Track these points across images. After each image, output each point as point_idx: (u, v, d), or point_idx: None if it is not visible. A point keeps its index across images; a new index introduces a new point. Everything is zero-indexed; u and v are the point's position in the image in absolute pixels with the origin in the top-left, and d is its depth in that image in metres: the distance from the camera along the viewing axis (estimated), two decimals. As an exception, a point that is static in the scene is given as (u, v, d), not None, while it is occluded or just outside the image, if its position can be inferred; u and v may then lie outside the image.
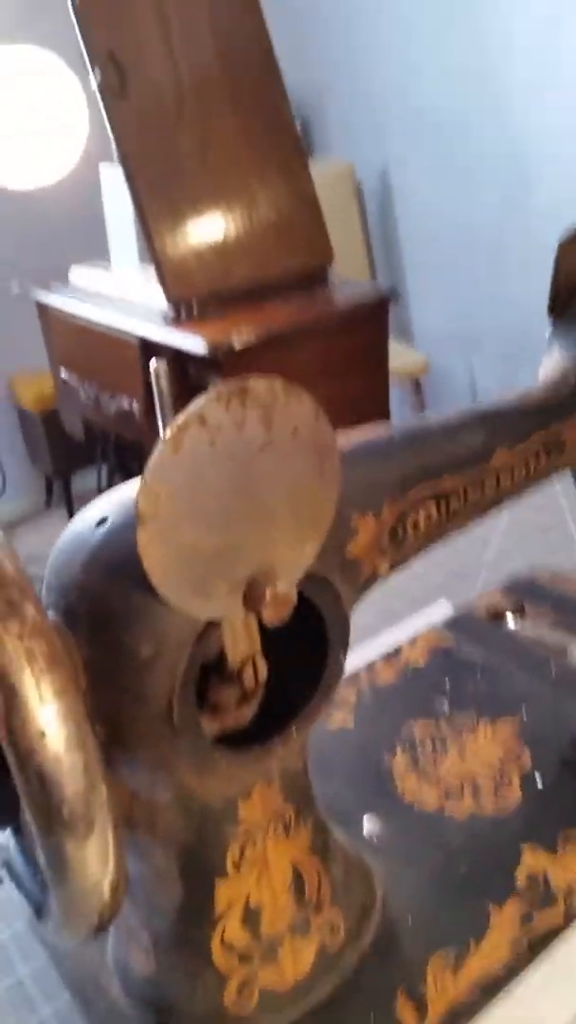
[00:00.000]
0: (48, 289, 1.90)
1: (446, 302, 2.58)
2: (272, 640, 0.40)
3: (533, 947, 0.48)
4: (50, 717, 0.30)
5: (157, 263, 1.68)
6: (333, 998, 0.47)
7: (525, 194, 2.24)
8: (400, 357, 2.31)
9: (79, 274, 1.87)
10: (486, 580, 0.88)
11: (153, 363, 0.36)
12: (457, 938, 0.49)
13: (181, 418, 0.31)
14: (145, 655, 0.35)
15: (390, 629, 0.82)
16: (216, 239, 1.76)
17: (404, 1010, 0.46)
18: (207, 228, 1.75)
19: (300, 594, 0.38)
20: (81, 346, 1.86)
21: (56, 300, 1.85)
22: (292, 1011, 0.46)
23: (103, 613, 0.35)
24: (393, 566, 0.45)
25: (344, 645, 0.42)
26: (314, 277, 1.81)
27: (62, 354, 1.98)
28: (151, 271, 1.66)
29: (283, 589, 0.35)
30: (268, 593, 0.35)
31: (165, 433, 0.31)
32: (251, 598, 0.35)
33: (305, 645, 0.42)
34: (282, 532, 0.36)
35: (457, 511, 0.47)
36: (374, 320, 1.73)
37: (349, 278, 1.94)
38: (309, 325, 1.61)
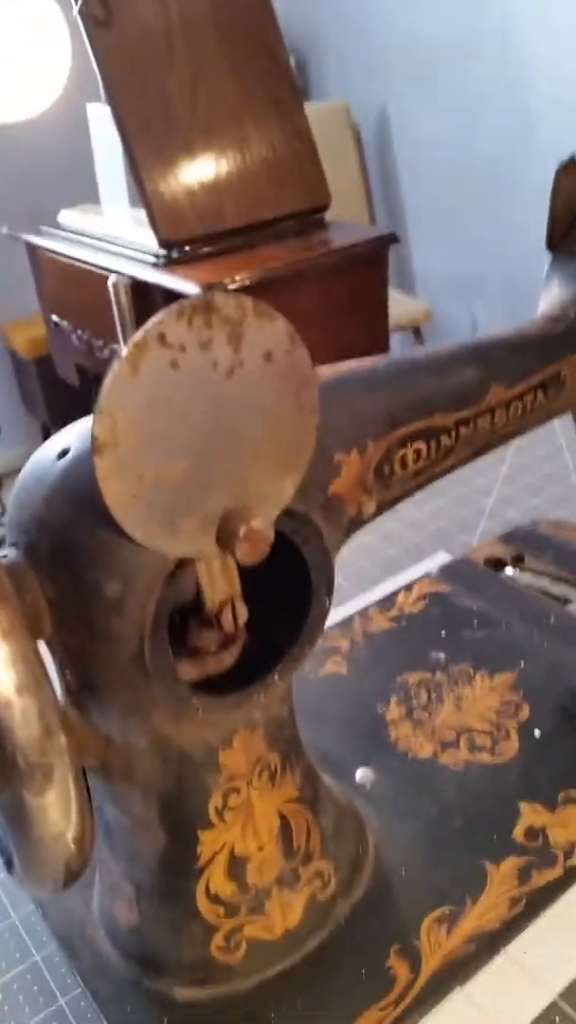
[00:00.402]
0: (38, 232, 1.85)
1: (447, 246, 2.51)
2: (255, 584, 0.38)
3: (531, 905, 0.47)
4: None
5: (147, 205, 1.63)
6: (323, 950, 0.46)
7: (528, 131, 2.17)
8: (400, 305, 2.26)
9: (68, 217, 1.82)
10: (487, 532, 0.86)
11: (112, 278, 0.33)
12: (453, 894, 0.48)
13: (138, 336, 0.28)
14: (112, 595, 0.33)
15: (388, 579, 0.81)
16: (208, 180, 1.70)
17: (397, 964, 0.45)
18: (198, 169, 1.69)
19: (279, 533, 0.36)
20: (72, 290, 1.81)
21: (46, 242, 1.80)
22: (281, 962, 0.45)
23: (66, 549, 0.33)
24: (380, 506, 0.43)
25: (328, 587, 0.40)
26: (310, 220, 1.76)
27: (53, 298, 1.93)
28: (142, 214, 1.61)
29: (258, 525, 0.33)
30: (242, 530, 0.33)
31: (121, 352, 0.28)
32: (224, 535, 0.33)
33: (290, 589, 0.40)
34: (257, 466, 0.33)
35: (449, 450, 0.45)
36: (373, 263, 1.69)
37: (347, 221, 1.89)
38: (305, 268, 1.56)
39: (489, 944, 0.45)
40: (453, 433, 0.43)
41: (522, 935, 0.47)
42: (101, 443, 0.29)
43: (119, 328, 0.34)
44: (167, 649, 0.35)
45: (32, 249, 1.91)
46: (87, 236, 1.75)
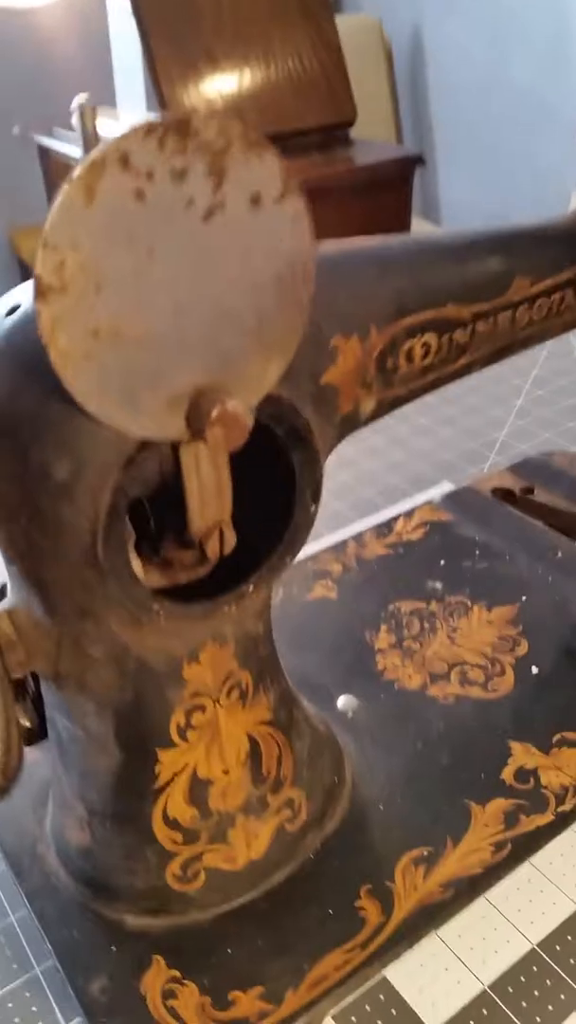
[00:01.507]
0: (51, 134, 1.77)
1: (475, 173, 2.41)
2: (233, 482, 0.33)
3: (516, 851, 0.43)
4: None
5: (165, 110, 1.55)
6: (290, 884, 0.43)
7: (563, 60, 2.06)
8: (420, 232, 2.17)
9: (83, 120, 1.74)
10: (496, 465, 0.81)
11: (77, 98, 0.28)
12: (433, 834, 0.44)
13: (95, 153, 0.23)
14: (61, 477, 0.29)
15: (388, 508, 0.76)
16: (230, 89, 1.62)
17: (368, 905, 0.41)
18: (221, 75, 1.61)
19: (261, 425, 0.32)
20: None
21: (59, 145, 1.73)
22: (242, 895, 0.42)
23: (9, 420, 0.29)
24: (380, 405, 0.38)
25: (315, 492, 0.35)
26: (334, 135, 1.67)
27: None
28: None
29: (235, 408, 0.28)
30: (215, 410, 0.28)
31: (73, 173, 0.23)
32: (194, 415, 0.28)
33: (271, 493, 0.36)
34: (237, 339, 0.29)
35: (463, 348, 0.40)
36: (397, 185, 1.61)
37: (373, 140, 1.80)
38: (328, 183, 1.49)
39: (468, 890, 0.42)
40: (469, 327, 0.38)
41: (505, 882, 0.44)
42: (46, 285, 0.24)
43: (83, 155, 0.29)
44: (124, 545, 0.31)
45: (44, 152, 1.83)
46: (101, 139, 1.67)
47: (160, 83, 1.55)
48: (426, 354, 0.37)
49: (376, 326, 0.36)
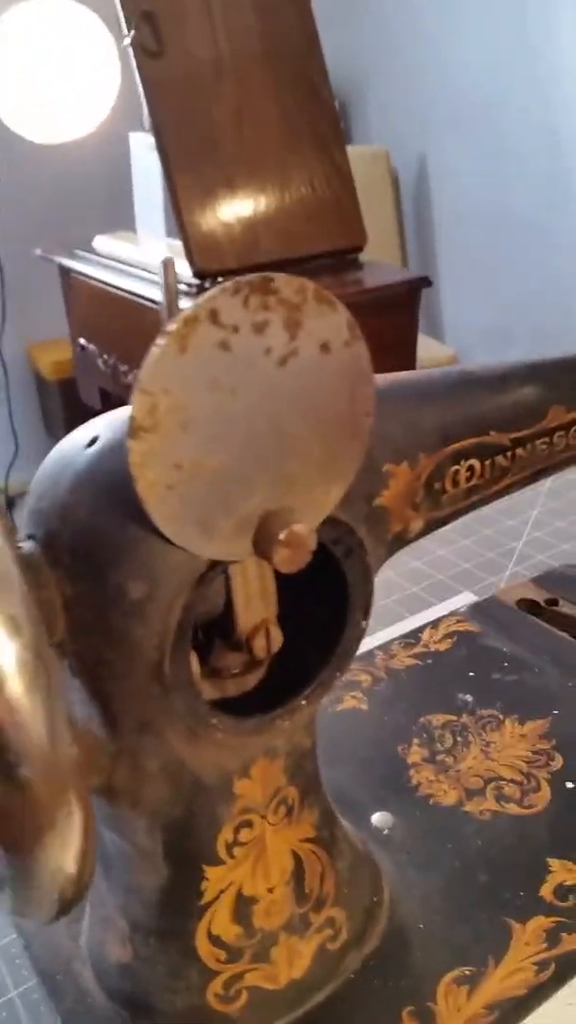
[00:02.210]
0: (72, 256, 1.86)
1: (479, 296, 2.51)
2: (285, 597, 0.35)
3: (560, 970, 0.43)
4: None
5: (184, 235, 1.63)
6: (331, 1005, 0.42)
7: (565, 188, 2.18)
8: (428, 350, 2.25)
9: (103, 242, 1.83)
10: (515, 575, 0.83)
11: (164, 256, 0.31)
12: (474, 954, 0.44)
13: (190, 311, 0.26)
14: (136, 596, 0.30)
15: (411, 617, 0.78)
16: (246, 214, 1.71)
17: (410, 1026, 0.41)
18: (238, 203, 1.70)
19: (319, 543, 0.33)
20: (102, 314, 1.81)
21: (79, 266, 1.81)
22: (284, 1015, 0.41)
23: (89, 544, 0.31)
24: (427, 525, 0.40)
25: (366, 607, 0.37)
26: (345, 259, 1.75)
27: (82, 322, 1.94)
28: (177, 244, 1.61)
29: (300, 530, 0.30)
30: (283, 534, 0.30)
31: (168, 326, 0.26)
32: (263, 538, 0.30)
33: (321, 607, 0.37)
34: (303, 467, 0.31)
35: (504, 471, 0.42)
36: (405, 306, 1.68)
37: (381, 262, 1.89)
38: (339, 304, 1.56)
39: (514, 1012, 0.41)
40: (509, 453, 0.40)
41: (550, 1004, 0.43)
42: (138, 425, 0.26)
43: (164, 308, 0.32)
44: (189, 660, 0.32)
45: (64, 272, 1.92)
46: (121, 262, 1.76)
47: (180, 210, 1.64)
48: (471, 477, 0.40)
49: (424, 452, 0.38)
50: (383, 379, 0.39)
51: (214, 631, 0.36)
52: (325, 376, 0.30)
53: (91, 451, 0.32)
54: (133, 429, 0.26)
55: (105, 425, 0.32)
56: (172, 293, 0.32)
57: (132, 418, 0.26)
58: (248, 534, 0.30)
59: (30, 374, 2.55)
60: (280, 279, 0.27)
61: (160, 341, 0.26)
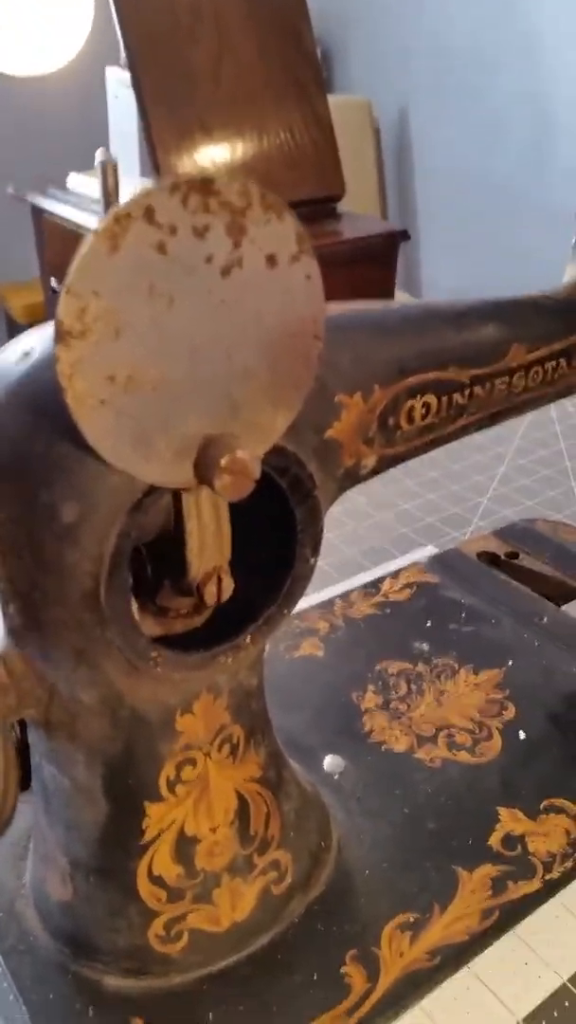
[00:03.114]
0: (44, 194, 1.81)
1: (456, 254, 2.49)
2: (233, 532, 0.34)
3: (504, 919, 0.43)
4: None
5: (159, 176, 1.59)
6: (273, 948, 0.42)
7: (550, 146, 2.14)
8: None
9: (77, 181, 1.78)
10: (479, 530, 0.82)
11: (100, 153, 0.29)
12: (420, 900, 0.43)
13: (122, 207, 0.24)
14: (67, 519, 0.29)
15: (373, 569, 0.77)
16: (223, 158, 1.67)
17: (353, 971, 0.40)
18: (214, 146, 1.65)
19: (265, 474, 0.32)
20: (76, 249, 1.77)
21: (52, 205, 1.76)
22: (226, 958, 0.41)
23: (19, 462, 0.29)
24: (380, 462, 0.39)
25: (315, 544, 0.36)
26: (323, 208, 1.72)
27: (54, 263, 1.89)
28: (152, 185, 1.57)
29: (243, 456, 0.29)
30: (225, 459, 0.28)
31: (99, 224, 0.24)
32: (204, 463, 0.29)
33: (270, 544, 0.36)
34: (248, 389, 0.29)
35: (461, 409, 0.41)
36: (382, 258, 1.66)
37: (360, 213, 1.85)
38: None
39: (455, 958, 0.41)
40: (468, 391, 0.39)
41: (492, 951, 0.43)
42: (66, 330, 0.24)
43: (104, 211, 0.30)
44: (126, 590, 0.31)
45: (37, 211, 1.87)
46: (95, 202, 1.71)
47: (156, 149, 1.60)
48: (426, 414, 0.38)
49: (379, 385, 0.36)
50: (337, 307, 0.37)
51: (163, 572, 0.34)
52: (271, 291, 0.28)
53: (22, 365, 0.30)
54: (60, 334, 0.24)
55: (39, 338, 0.31)
56: (112, 195, 0.30)
57: (59, 322, 0.24)
58: (189, 458, 0.29)
59: (2, 316, 2.50)
60: (222, 180, 0.25)
61: (90, 238, 0.24)
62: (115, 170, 0.30)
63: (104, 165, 0.29)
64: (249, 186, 0.26)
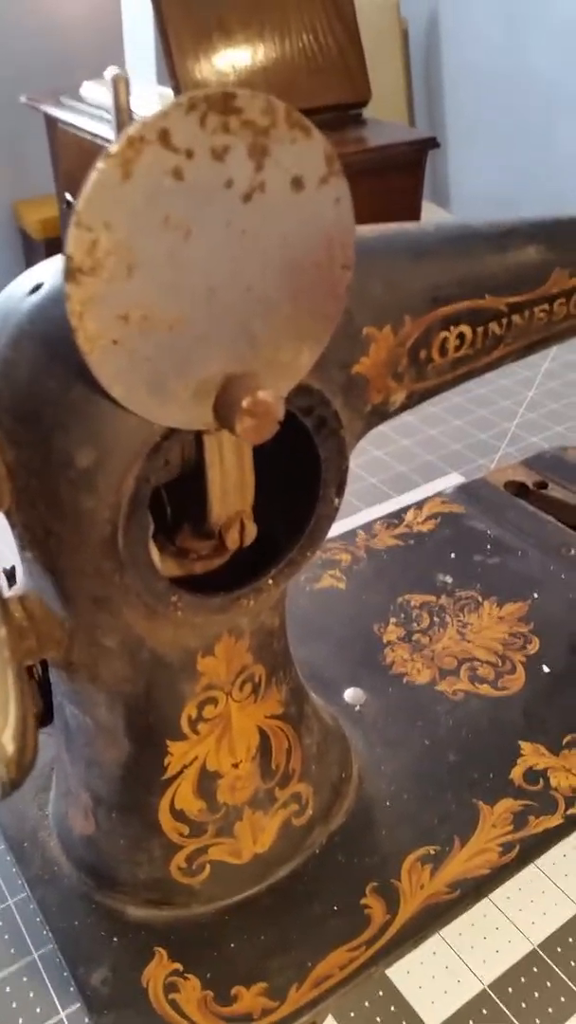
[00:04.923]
0: (58, 104, 1.74)
1: (485, 161, 2.39)
2: (256, 472, 0.32)
3: (524, 854, 0.43)
4: None
5: (176, 83, 1.52)
6: (294, 880, 0.42)
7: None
8: (430, 216, 2.15)
9: (91, 89, 1.70)
10: (507, 457, 0.80)
11: (111, 70, 0.27)
12: (440, 833, 0.44)
13: (134, 128, 0.22)
14: (83, 464, 0.28)
15: (397, 497, 0.75)
16: (243, 63, 1.59)
17: (374, 903, 0.41)
18: (233, 50, 1.58)
19: (289, 414, 0.31)
20: (90, 167, 1.72)
21: (66, 115, 1.69)
22: (247, 889, 0.42)
23: (31, 403, 0.28)
24: (409, 398, 0.37)
25: (340, 485, 0.35)
26: (348, 114, 1.65)
27: (69, 176, 1.83)
28: (169, 93, 1.51)
29: (266, 397, 0.27)
30: (246, 400, 0.27)
31: (110, 147, 0.22)
32: (224, 405, 0.27)
33: (293, 483, 0.35)
34: (270, 325, 0.28)
35: (497, 340, 0.39)
36: (410, 167, 1.59)
37: (386, 120, 1.77)
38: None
39: (475, 891, 0.42)
40: (505, 320, 0.37)
41: (512, 883, 0.43)
42: (76, 266, 0.23)
43: (115, 132, 0.28)
44: (145, 536, 0.30)
45: (51, 122, 1.80)
46: (109, 111, 1.64)
47: (172, 55, 1.53)
48: (460, 346, 0.36)
49: (411, 316, 0.34)
50: (368, 229, 0.35)
51: (184, 513, 0.33)
52: (297, 218, 0.26)
53: (34, 299, 0.28)
54: (70, 271, 0.23)
55: (51, 271, 0.29)
56: (124, 114, 0.27)
57: (69, 257, 0.23)
58: (208, 400, 0.28)
59: (16, 232, 2.44)
60: (244, 96, 0.23)
61: (100, 164, 0.22)
62: (127, 85, 0.27)
63: (116, 81, 0.27)
64: (273, 102, 0.24)
